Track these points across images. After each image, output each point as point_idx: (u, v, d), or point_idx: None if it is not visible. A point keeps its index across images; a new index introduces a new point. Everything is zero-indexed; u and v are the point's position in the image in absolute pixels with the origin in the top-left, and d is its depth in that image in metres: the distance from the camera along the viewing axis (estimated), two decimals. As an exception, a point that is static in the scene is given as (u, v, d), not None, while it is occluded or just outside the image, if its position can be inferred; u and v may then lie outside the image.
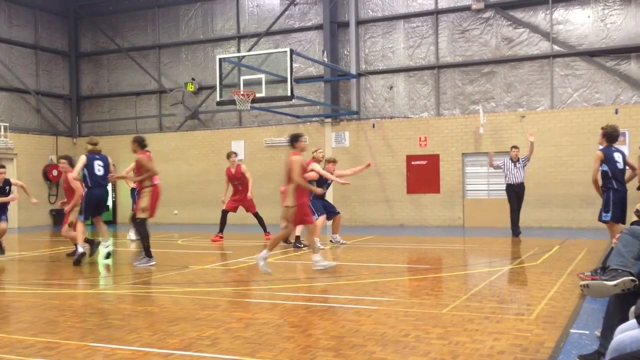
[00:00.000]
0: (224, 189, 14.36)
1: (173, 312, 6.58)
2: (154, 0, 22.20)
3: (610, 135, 8.73)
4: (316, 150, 12.64)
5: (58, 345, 5.26)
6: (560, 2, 16.99)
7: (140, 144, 10.34)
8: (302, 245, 12.11)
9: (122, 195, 21.41)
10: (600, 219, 8.77)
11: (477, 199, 17.59)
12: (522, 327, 5.67)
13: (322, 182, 12.23)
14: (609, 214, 8.59)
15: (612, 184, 8.58)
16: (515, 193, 14.17)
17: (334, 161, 12.60)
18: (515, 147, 14.25)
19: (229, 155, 14.22)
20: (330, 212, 12.85)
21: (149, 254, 10.18)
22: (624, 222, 8.78)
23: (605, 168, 8.57)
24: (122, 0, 22.83)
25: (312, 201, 11.94)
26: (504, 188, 14.42)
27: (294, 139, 9.57)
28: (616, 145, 8.77)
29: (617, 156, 8.71)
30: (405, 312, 6.37)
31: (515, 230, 14.17)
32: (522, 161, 14.17)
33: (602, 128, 8.91)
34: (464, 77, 18.03)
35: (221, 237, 14.02)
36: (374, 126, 18.82)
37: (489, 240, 13.80)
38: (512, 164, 14.15)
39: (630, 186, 8.77)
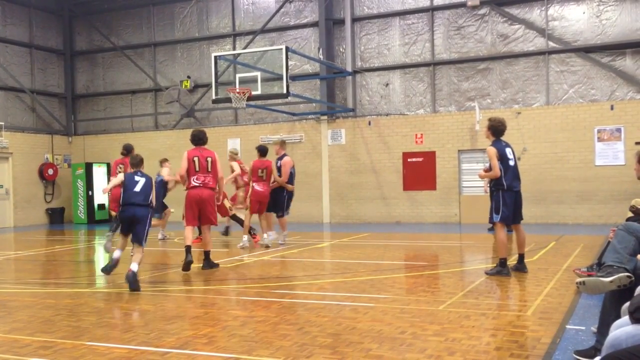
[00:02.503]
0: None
1: (169, 311, 6.57)
2: (149, -2, 22.16)
3: (497, 129, 8.18)
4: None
5: (54, 344, 5.26)
6: (556, -1, 17.03)
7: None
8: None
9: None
10: (490, 221, 8.29)
11: (473, 196, 17.59)
12: (518, 324, 5.68)
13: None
14: (499, 215, 8.07)
15: (502, 183, 8.07)
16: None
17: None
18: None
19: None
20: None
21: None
22: (516, 223, 8.30)
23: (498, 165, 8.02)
24: (117, -2, 22.78)
25: None
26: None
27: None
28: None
29: (509, 152, 8.19)
30: (402, 309, 6.38)
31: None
32: None
33: (489, 120, 8.32)
34: (460, 73, 18.03)
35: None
36: (370, 123, 18.82)
37: (486, 237, 13.80)
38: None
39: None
